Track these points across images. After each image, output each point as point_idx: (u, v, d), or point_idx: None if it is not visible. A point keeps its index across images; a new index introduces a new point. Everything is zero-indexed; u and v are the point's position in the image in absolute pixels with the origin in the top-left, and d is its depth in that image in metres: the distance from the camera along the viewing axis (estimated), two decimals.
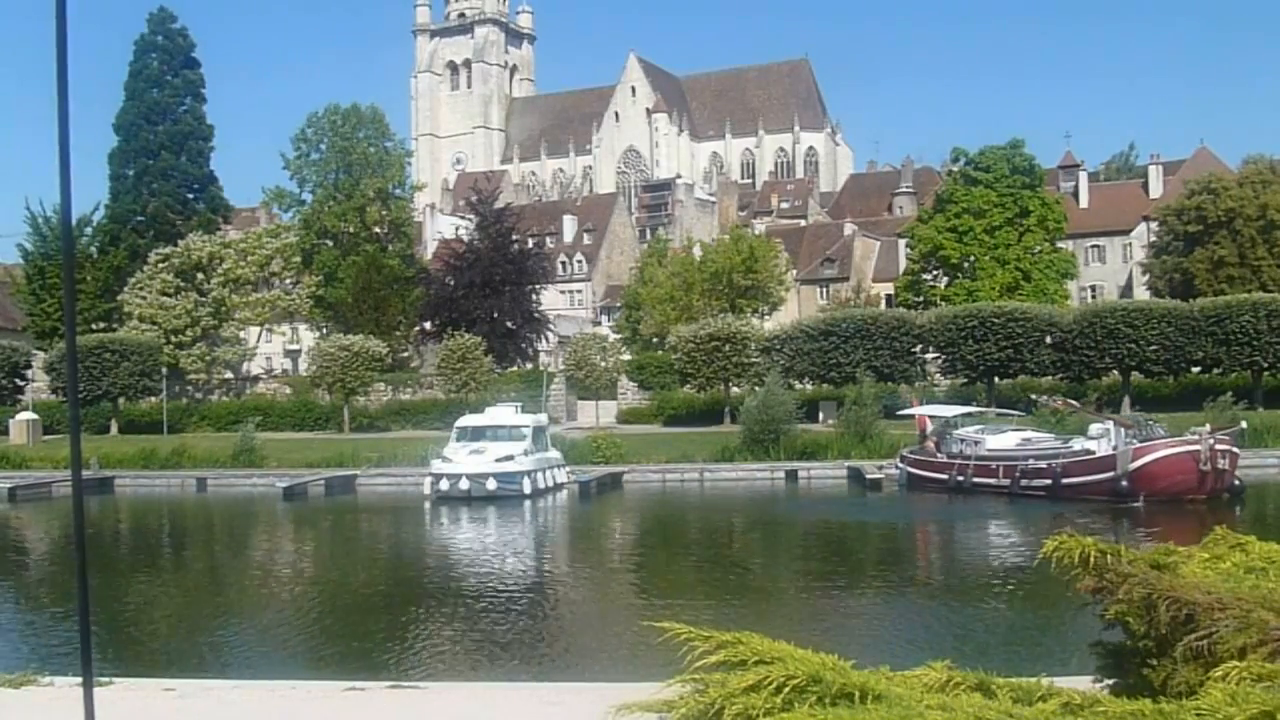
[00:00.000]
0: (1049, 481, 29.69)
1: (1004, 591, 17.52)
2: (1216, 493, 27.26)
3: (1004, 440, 33.34)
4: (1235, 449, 28.05)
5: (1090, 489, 28.55)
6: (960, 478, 32.08)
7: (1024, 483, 30.35)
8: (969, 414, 37.55)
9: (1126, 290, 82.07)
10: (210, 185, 71.70)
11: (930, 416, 36.92)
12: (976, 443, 33.10)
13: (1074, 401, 40.16)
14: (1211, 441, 27.17)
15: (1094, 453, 29.71)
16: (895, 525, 28.51)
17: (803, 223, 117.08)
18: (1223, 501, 27.29)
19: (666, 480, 37.83)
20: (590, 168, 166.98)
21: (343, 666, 12.43)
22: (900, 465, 35.30)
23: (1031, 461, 30.82)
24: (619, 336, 73.31)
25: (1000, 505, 29.62)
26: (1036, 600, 15.58)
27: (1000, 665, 5.49)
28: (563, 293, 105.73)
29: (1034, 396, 43.04)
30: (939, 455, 34.13)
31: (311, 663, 13.55)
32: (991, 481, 31.37)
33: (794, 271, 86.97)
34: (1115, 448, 28.72)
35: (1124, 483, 27.45)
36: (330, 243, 66.91)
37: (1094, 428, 31.67)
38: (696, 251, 74.75)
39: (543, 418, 38.44)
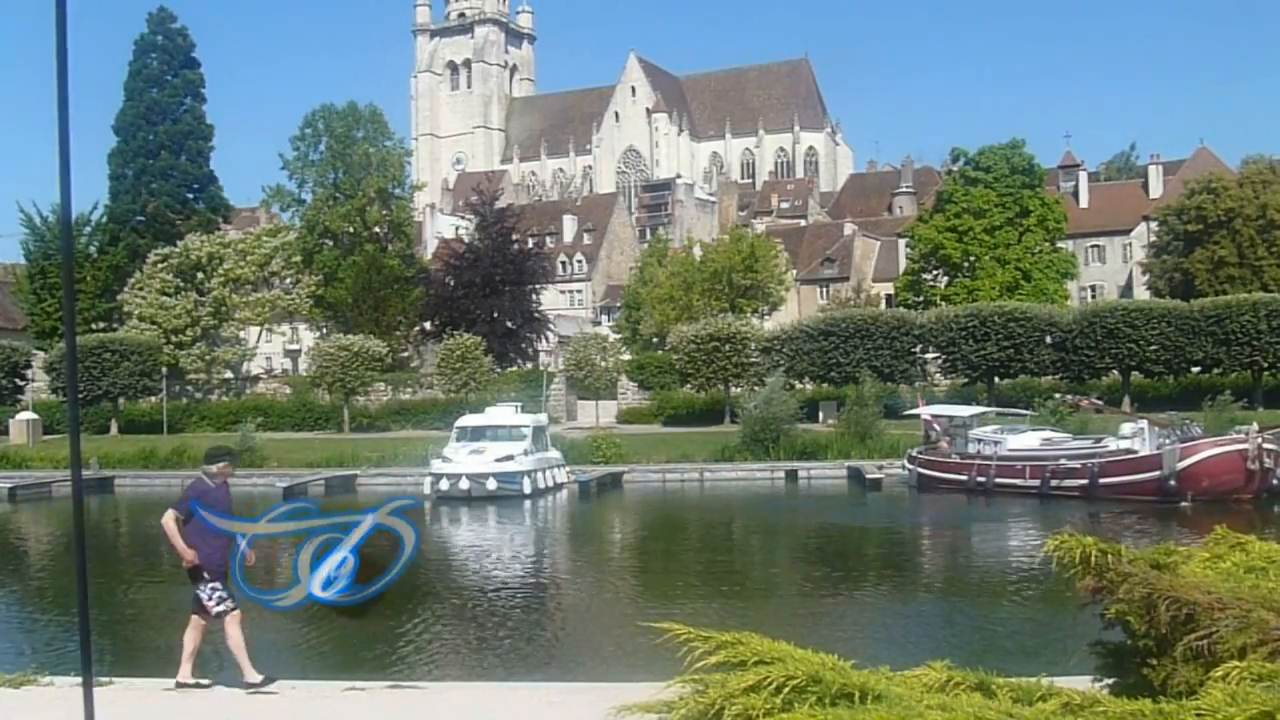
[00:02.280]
0: (1084, 482, 29.13)
1: (1055, 592, 17.37)
2: (1260, 491, 27.13)
3: (1026, 440, 32.73)
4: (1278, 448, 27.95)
5: (1131, 489, 28.12)
6: (981, 478, 31.45)
7: (1054, 483, 29.74)
8: (984, 414, 36.99)
9: (1126, 290, 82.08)
10: (210, 185, 71.70)
11: (939, 417, 36.46)
12: (996, 443, 32.51)
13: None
14: (1260, 440, 27.08)
15: (1135, 452, 29.25)
16: (925, 527, 28.19)
17: (803, 223, 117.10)
18: (1263, 500, 27.16)
19: (666, 480, 37.82)
20: (590, 168, 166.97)
21: (343, 666, 12.42)
22: (910, 466, 34.65)
23: (1064, 461, 30.19)
24: (619, 336, 73.29)
25: (1031, 506, 29.06)
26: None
27: (1009, 666, 5.48)
28: (563, 293, 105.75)
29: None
30: (954, 455, 33.60)
31: (311, 663, 13.54)
32: (1017, 482, 30.76)
33: (794, 271, 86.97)
34: (1159, 447, 28.34)
35: (1172, 482, 27.11)
36: (330, 243, 66.92)
37: (1126, 427, 31.21)
38: (696, 251, 74.75)
39: (543, 418, 38.41)
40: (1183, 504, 26.79)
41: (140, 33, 69.62)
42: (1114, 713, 3.55)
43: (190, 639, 9.30)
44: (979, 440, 33.33)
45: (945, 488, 32.49)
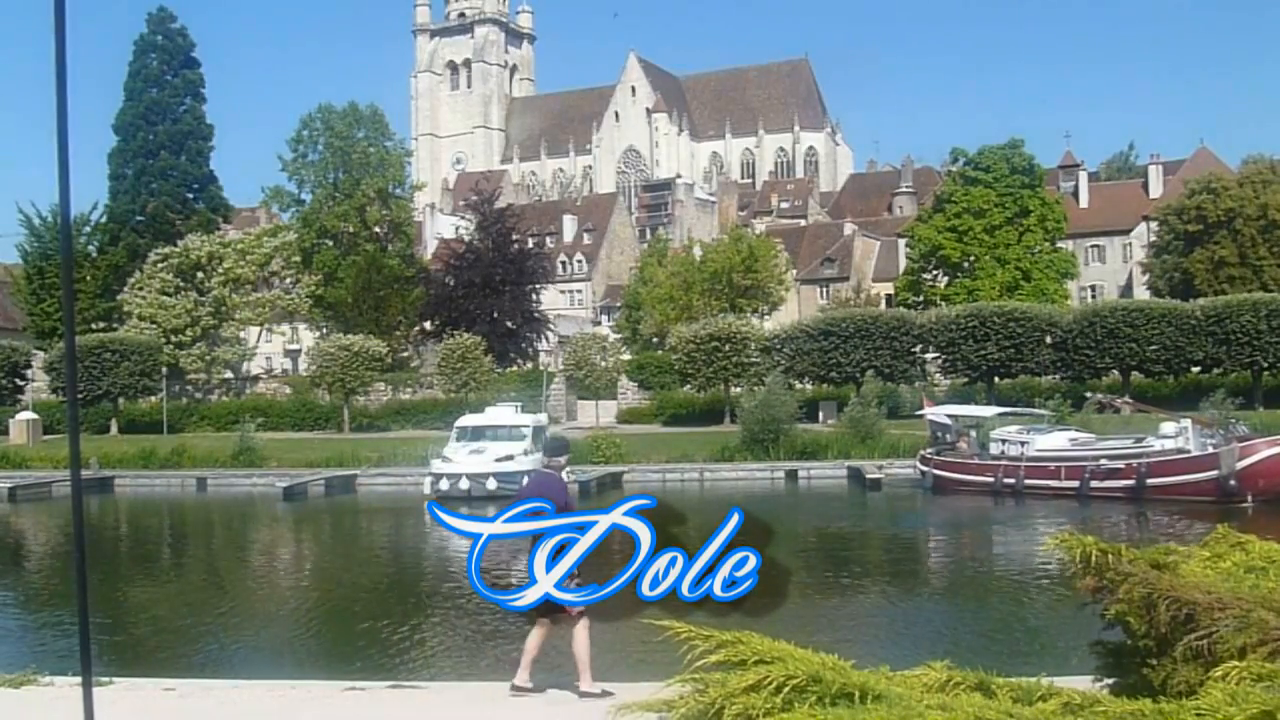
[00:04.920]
0: (1130, 483, 28.25)
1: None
2: None
3: (1054, 440, 31.74)
4: None
5: (1184, 489, 27.37)
6: (1009, 480, 30.48)
7: (1095, 484, 28.89)
8: (1006, 414, 36.06)
9: (1126, 290, 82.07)
10: (210, 185, 71.68)
11: (948, 417, 35.55)
12: (1023, 443, 31.51)
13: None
14: None
15: (1187, 451, 28.47)
16: (961, 530, 27.53)
17: (803, 223, 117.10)
18: None
19: (666, 480, 37.79)
20: (590, 168, 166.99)
21: (343, 666, 12.42)
22: (923, 468, 33.54)
23: (1104, 462, 29.30)
24: (619, 336, 73.32)
25: (1070, 508, 28.11)
26: None
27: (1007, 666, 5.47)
28: (563, 293, 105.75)
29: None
30: (975, 457, 32.71)
31: (311, 663, 13.54)
32: (1051, 484, 29.83)
33: (794, 271, 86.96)
34: (1216, 446, 27.75)
35: (1232, 482, 26.51)
36: (330, 242, 66.94)
37: (1167, 426, 30.38)
38: (696, 251, 74.74)
39: (543, 418, 38.41)
40: (1244, 504, 26.07)
41: (140, 33, 69.60)
42: (1114, 713, 3.55)
43: (534, 643, 8.81)
44: (1003, 440, 32.31)
45: (966, 490, 31.46)
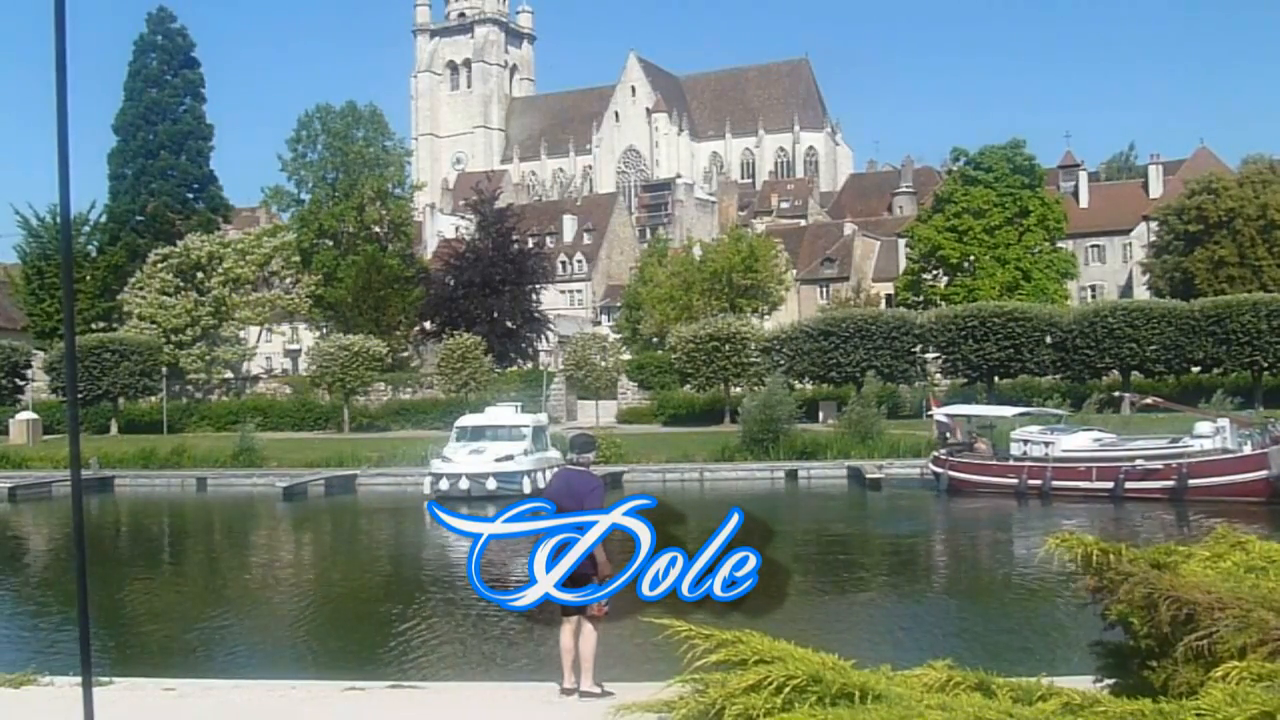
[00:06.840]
0: (1170, 483, 27.57)
1: None
2: None
3: (1079, 440, 30.96)
4: None
5: (1229, 490, 26.73)
6: (1034, 481, 29.85)
7: (1131, 485, 28.21)
8: (1025, 414, 35.31)
9: (1126, 290, 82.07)
10: (210, 185, 71.73)
11: (957, 417, 35.00)
12: (1047, 444, 30.73)
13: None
14: None
15: (1232, 451, 27.90)
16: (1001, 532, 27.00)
17: (803, 223, 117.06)
18: None
19: (666, 480, 37.79)
20: (590, 168, 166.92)
21: (343, 666, 12.42)
22: (939, 468, 32.71)
23: (1141, 462, 28.60)
24: (619, 336, 73.31)
25: (1105, 510, 27.41)
26: None
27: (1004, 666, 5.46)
28: (563, 293, 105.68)
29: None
30: (994, 458, 32.16)
31: (311, 663, 13.54)
32: (1081, 485, 29.14)
33: (794, 271, 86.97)
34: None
35: None
36: (330, 242, 66.98)
37: (1202, 426, 29.76)
38: (696, 251, 74.76)
39: (543, 418, 38.40)
40: None
41: (140, 33, 69.69)
42: (1114, 713, 3.55)
43: (588, 645, 8.67)
44: (1025, 441, 31.60)
45: (985, 491, 30.84)
